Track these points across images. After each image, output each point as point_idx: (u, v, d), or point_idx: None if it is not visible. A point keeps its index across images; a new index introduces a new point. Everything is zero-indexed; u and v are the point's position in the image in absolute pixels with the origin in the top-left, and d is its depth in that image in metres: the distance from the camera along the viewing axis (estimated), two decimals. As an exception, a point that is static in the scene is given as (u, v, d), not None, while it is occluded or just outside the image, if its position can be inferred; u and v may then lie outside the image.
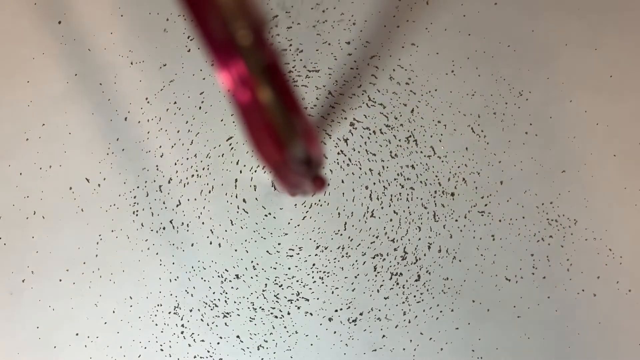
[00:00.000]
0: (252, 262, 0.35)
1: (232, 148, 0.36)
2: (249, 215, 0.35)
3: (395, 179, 0.35)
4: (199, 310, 0.35)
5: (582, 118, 0.36)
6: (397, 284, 0.35)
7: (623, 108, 0.36)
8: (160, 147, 0.36)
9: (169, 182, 0.35)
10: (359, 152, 0.36)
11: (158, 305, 0.35)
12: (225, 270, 0.35)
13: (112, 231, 0.35)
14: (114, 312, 0.35)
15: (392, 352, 0.34)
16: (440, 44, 0.36)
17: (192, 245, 0.35)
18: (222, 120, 0.36)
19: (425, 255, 0.35)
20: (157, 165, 0.35)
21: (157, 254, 0.35)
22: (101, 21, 0.36)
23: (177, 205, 0.35)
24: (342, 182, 0.35)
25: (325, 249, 0.35)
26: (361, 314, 0.35)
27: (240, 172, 0.35)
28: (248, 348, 0.34)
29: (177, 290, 0.35)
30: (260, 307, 0.35)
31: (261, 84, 0.18)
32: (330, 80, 0.36)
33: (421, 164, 0.35)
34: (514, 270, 0.35)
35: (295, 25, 0.36)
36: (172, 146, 0.36)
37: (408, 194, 0.35)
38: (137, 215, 0.35)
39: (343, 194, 0.35)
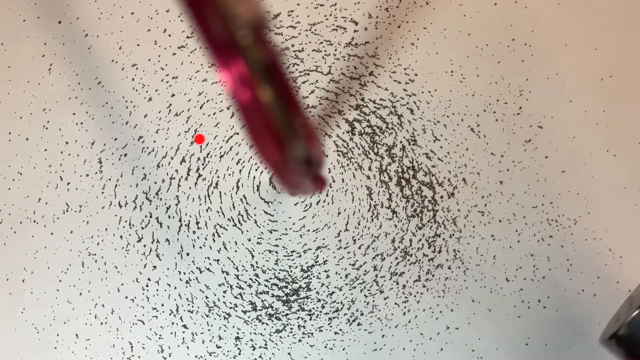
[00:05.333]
0: (252, 262, 0.35)
1: (232, 148, 0.36)
2: (249, 216, 0.35)
3: (395, 179, 0.35)
4: (198, 311, 0.35)
5: (582, 118, 0.36)
6: (397, 284, 0.35)
7: (623, 108, 0.36)
8: (161, 147, 0.36)
9: (170, 182, 0.35)
10: (359, 152, 0.36)
11: (158, 305, 0.35)
12: (226, 271, 0.35)
13: (112, 231, 0.35)
14: (113, 312, 0.35)
15: (392, 352, 0.34)
16: (440, 44, 0.36)
17: (193, 246, 0.35)
18: (222, 120, 0.36)
19: (425, 255, 0.35)
20: (157, 166, 0.35)
21: (157, 255, 0.35)
22: (101, 21, 0.36)
23: (177, 204, 0.35)
24: (342, 181, 0.35)
25: (326, 248, 0.35)
26: (361, 314, 0.35)
27: (240, 172, 0.35)
28: (248, 348, 0.34)
29: (177, 291, 0.35)
30: (260, 308, 0.35)
31: (261, 83, 0.18)
32: (330, 80, 0.36)
33: (421, 164, 0.35)
34: (514, 270, 0.35)
35: (296, 24, 0.36)
36: (172, 146, 0.36)
37: (408, 194, 0.35)
38: (137, 215, 0.35)
39: (343, 193, 0.35)
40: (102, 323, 0.35)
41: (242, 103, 0.19)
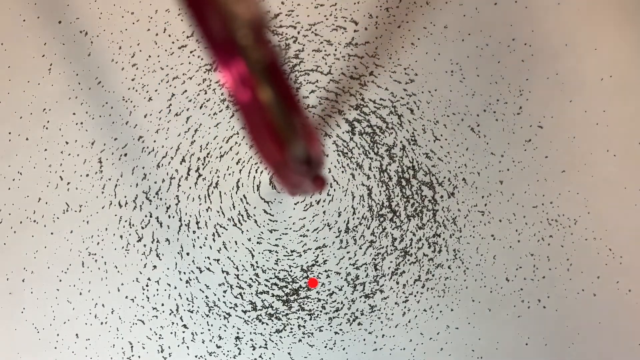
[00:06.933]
0: (252, 262, 0.35)
1: (232, 148, 0.36)
2: (249, 216, 0.35)
3: (395, 179, 0.35)
4: (198, 311, 0.35)
5: (582, 118, 0.36)
6: (397, 283, 0.35)
7: (623, 108, 0.36)
8: (161, 147, 0.36)
9: (170, 182, 0.35)
10: (359, 152, 0.36)
11: (158, 305, 0.35)
12: (226, 271, 0.35)
13: (112, 231, 0.35)
14: (113, 312, 0.35)
15: (392, 352, 0.34)
16: (440, 44, 0.36)
17: (193, 246, 0.35)
18: (222, 120, 0.36)
19: (425, 255, 0.35)
20: (157, 165, 0.35)
21: (157, 254, 0.35)
22: (101, 21, 0.36)
23: (177, 204, 0.35)
24: (342, 181, 0.35)
25: (326, 248, 0.35)
26: (361, 314, 0.35)
27: (240, 172, 0.35)
28: (248, 348, 0.34)
29: (177, 290, 0.35)
30: (260, 308, 0.35)
31: (261, 83, 0.18)
32: (330, 80, 0.36)
33: (421, 164, 0.35)
34: (514, 270, 0.35)
35: (296, 24, 0.36)
36: (172, 146, 0.36)
37: (408, 194, 0.35)
38: (137, 215, 0.35)
39: (343, 193, 0.35)
40: (102, 323, 0.35)
41: (242, 103, 0.19)
